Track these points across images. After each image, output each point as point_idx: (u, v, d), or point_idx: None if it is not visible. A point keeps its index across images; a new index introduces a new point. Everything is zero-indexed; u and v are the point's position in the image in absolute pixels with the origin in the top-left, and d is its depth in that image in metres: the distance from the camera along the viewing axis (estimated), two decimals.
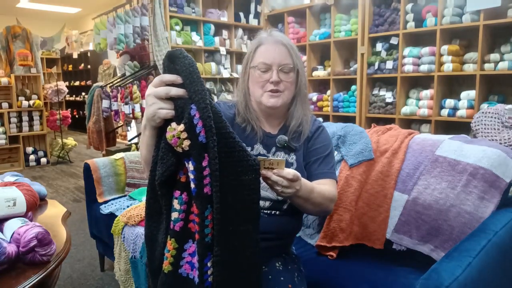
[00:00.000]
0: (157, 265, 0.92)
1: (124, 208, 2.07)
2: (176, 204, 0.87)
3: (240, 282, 0.89)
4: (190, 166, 0.83)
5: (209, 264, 0.85)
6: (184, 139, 0.82)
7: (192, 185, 0.84)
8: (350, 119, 3.93)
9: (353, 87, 3.95)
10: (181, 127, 0.82)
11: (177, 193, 0.88)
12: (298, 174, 0.95)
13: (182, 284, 0.89)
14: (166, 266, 0.89)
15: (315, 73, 4.26)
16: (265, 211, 1.17)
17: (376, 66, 3.70)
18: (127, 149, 3.50)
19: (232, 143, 0.85)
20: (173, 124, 0.84)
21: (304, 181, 1.01)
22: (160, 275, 0.91)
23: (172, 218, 0.88)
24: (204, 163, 0.82)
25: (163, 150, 0.86)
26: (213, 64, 4.44)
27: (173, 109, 0.85)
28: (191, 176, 0.83)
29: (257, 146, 1.20)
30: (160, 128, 0.89)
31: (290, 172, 0.93)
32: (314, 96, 4.30)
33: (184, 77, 0.84)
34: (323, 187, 1.12)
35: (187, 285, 0.89)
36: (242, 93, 1.22)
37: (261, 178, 0.91)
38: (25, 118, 5.39)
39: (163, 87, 0.85)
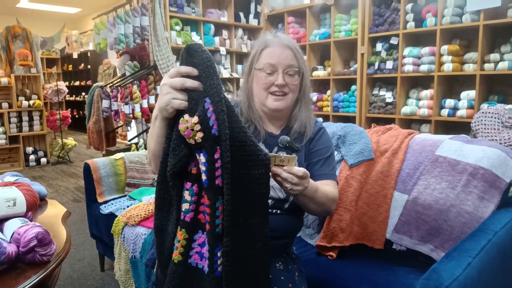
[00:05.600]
0: (166, 255, 0.93)
1: (124, 208, 2.08)
2: (187, 195, 0.89)
3: (249, 273, 0.90)
4: (202, 158, 0.84)
5: (219, 254, 0.86)
6: (198, 131, 0.83)
7: (204, 177, 0.85)
8: (350, 119, 3.93)
9: (353, 87, 3.95)
10: (195, 119, 0.83)
11: (188, 184, 0.89)
12: (307, 172, 0.96)
13: (191, 274, 0.90)
14: (176, 256, 0.90)
15: (315, 73, 4.26)
16: None
17: (376, 66, 3.70)
18: (127, 149, 3.50)
19: (244, 137, 0.86)
20: (186, 116, 0.84)
21: (310, 180, 1.01)
22: (169, 265, 0.92)
23: (183, 209, 0.89)
24: (216, 156, 0.83)
25: (175, 141, 0.87)
26: None
27: (187, 101, 0.86)
28: (203, 168, 0.84)
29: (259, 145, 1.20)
30: (171, 120, 0.90)
31: (301, 169, 0.93)
32: (314, 96, 4.30)
33: (200, 70, 0.86)
34: (327, 187, 1.12)
35: (197, 274, 0.90)
36: (245, 93, 1.23)
37: (270, 175, 0.91)
38: (25, 118, 5.39)
39: (179, 78, 0.86)
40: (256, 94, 1.20)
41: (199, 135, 0.83)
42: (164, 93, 0.87)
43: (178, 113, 0.87)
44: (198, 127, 0.82)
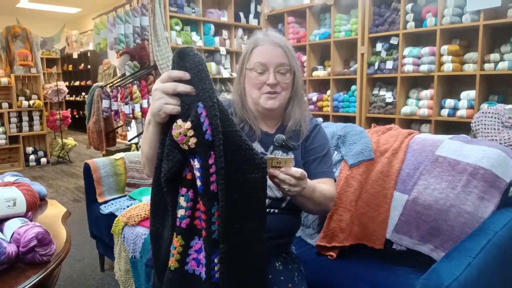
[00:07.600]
0: (163, 262, 0.92)
1: (124, 208, 2.08)
2: (182, 201, 0.88)
3: (246, 278, 0.89)
4: (196, 164, 0.83)
5: (216, 261, 0.86)
6: (191, 136, 0.82)
7: (199, 183, 0.84)
8: (350, 119, 3.93)
9: (353, 87, 3.95)
10: (188, 124, 0.82)
11: (183, 190, 0.88)
12: (305, 172, 0.95)
13: (189, 281, 0.89)
14: (172, 263, 0.89)
15: (315, 73, 4.26)
16: None
17: (376, 66, 3.70)
18: (127, 149, 3.50)
19: (239, 141, 0.85)
20: (179, 121, 0.83)
21: (307, 180, 1.00)
22: (165, 271, 0.91)
23: (179, 216, 0.88)
24: (210, 161, 0.82)
25: (168, 147, 0.86)
26: (213, 64, 4.44)
27: (179, 105, 0.85)
28: (197, 174, 0.83)
29: (255, 145, 1.19)
30: (164, 125, 0.89)
31: (298, 170, 0.93)
32: (314, 96, 4.30)
33: (193, 74, 0.84)
34: (324, 186, 1.12)
35: (194, 281, 0.89)
36: (238, 94, 1.22)
37: (267, 177, 0.91)
38: (25, 118, 5.39)
39: (171, 82, 0.85)
40: (248, 93, 1.19)
41: (192, 140, 0.81)
42: (156, 98, 0.86)
43: (171, 118, 0.86)
44: (191, 132, 0.81)
